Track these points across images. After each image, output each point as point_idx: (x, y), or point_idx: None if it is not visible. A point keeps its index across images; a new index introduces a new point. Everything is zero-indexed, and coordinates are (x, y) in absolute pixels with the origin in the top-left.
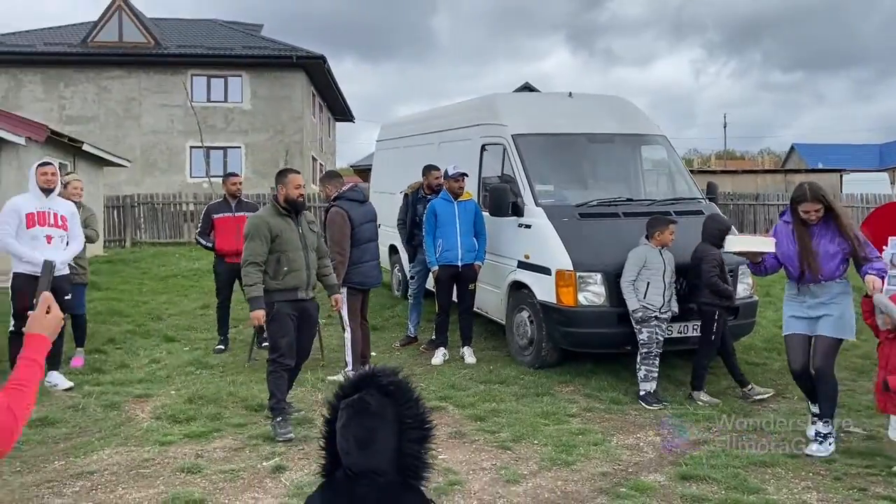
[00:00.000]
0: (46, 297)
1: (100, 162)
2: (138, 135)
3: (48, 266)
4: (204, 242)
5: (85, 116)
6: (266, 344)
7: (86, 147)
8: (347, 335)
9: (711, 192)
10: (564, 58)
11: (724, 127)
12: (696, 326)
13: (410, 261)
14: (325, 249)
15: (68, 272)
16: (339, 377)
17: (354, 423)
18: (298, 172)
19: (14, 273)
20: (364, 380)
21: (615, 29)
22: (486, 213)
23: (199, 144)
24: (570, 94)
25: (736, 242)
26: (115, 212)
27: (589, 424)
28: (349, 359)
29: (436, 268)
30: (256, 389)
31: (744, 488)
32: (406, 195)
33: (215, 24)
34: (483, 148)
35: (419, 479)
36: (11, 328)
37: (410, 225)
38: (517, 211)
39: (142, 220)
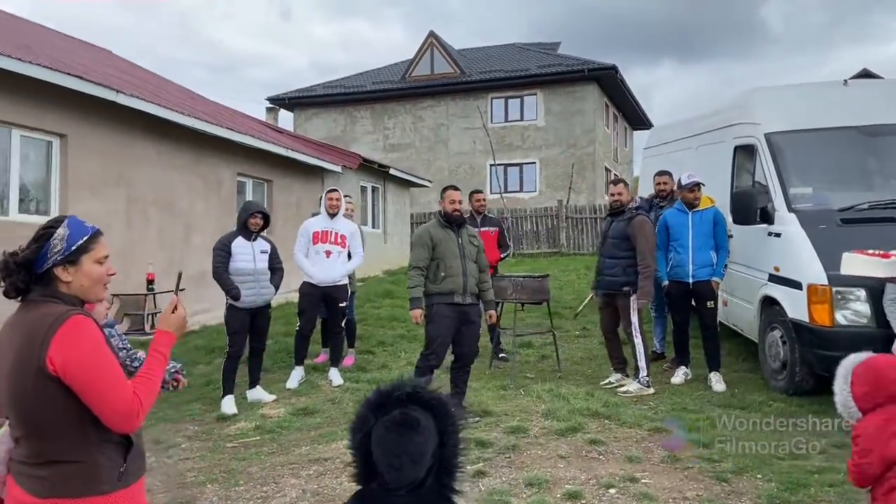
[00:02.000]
0: (174, 299)
1: (405, 184)
2: (446, 157)
3: (179, 275)
4: None
5: (403, 144)
6: (503, 355)
7: (392, 171)
8: (639, 341)
9: None
10: None
11: None
12: None
13: None
14: (485, 263)
15: (346, 282)
16: (633, 387)
17: (405, 440)
18: (458, 189)
19: (303, 281)
20: (401, 394)
21: None
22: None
23: (495, 163)
24: (846, 82)
25: (854, 263)
26: None
27: (833, 462)
28: (642, 364)
29: (666, 283)
30: (485, 395)
31: None
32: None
33: (514, 48)
34: (736, 150)
35: (455, 489)
36: (297, 327)
37: None
38: (767, 218)
39: None
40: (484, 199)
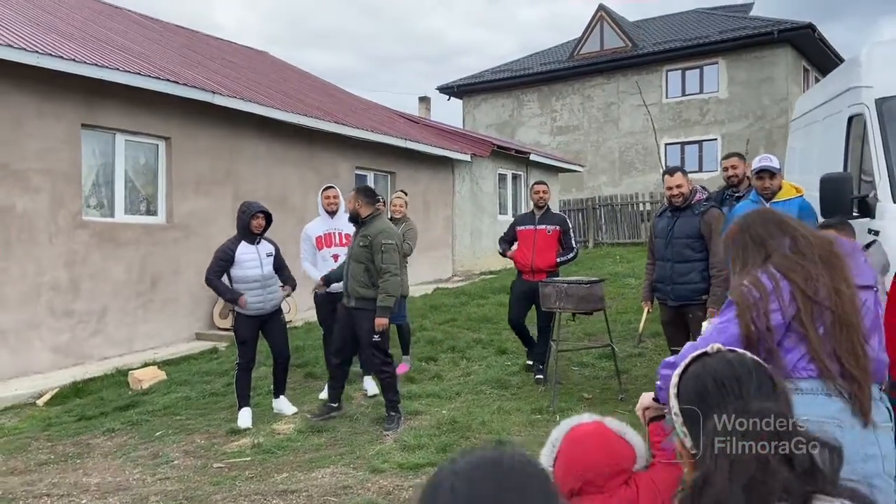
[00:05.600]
0: None
1: (552, 169)
2: (616, 137)
3: None
4: (500, 249)
5: (571, 126)
6: (539, 376)
7: (534, 157)
8: None
9: None
10: None
11: None
12: None
13: None
14: (382, 265)
15: None
16: None
17: None
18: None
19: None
20: None
21: None
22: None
23: (674, 141)
24: None
25: None
26: (579, 214)
27: None
28: None
29: None
30: (512, 420)
31: None
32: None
33: (694, 14)
34: (850, 122)
35: None
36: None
37: None
38: (866, 210)
39: (602, 221)
40: (544, 192)
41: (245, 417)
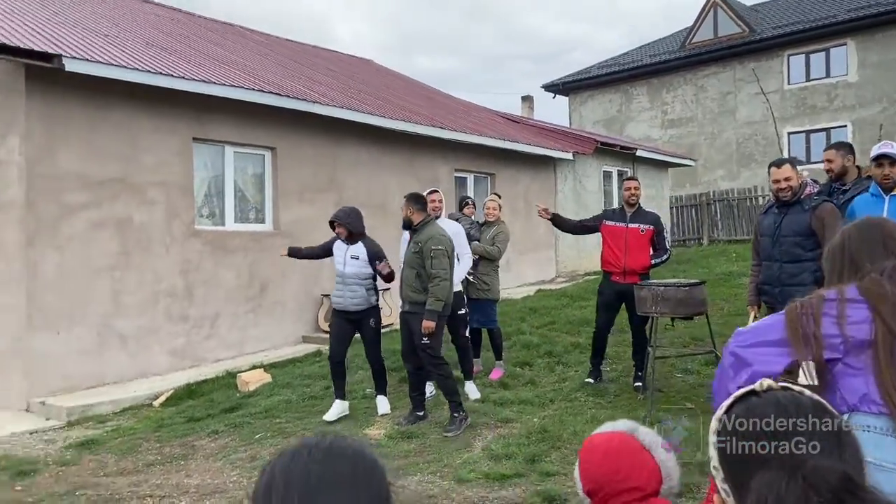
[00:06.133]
0: None
1: (661, 164)
2: (733, 128)
3: None
4: (577, 220)
5: (684, 118)
6: (638, 384)
7: (640, 152)
8: None
9: None
10: None
11: None
12: None
13: None
14: (433, 271)
15: (460, 289)
16: None
17: None
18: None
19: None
20: None
21: None
22: None
23: (798, 130)
24: None
25: None
26: (692, 210)
27: None
28: None
29: None
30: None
31: None
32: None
33: None
34: None
35: None
36: None
37: None
38: None
39: (718, 217)
40: (636, 188)
41: (334, 410)
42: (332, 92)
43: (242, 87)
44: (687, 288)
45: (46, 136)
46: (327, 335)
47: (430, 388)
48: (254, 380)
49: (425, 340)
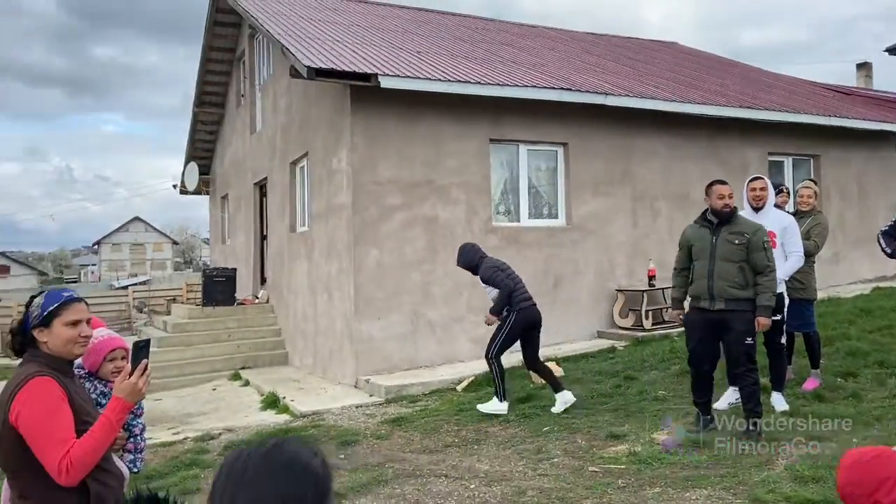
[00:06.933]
0: (127, 368)
1: None
2: None
3: (135, 345)
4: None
5: None
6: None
7: None
8: None
9: None
10: None
11: None
12: None
13: None
14: (763, 264)
15: (782, 290)
16: None
17: None
18: (725, 183)
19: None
20: None
21: None
22: None
23: None
24: None
25: None
26: None
27: None
28: None
29: None
30: None
31: None
32: None
33: None
34: None
35: None
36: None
37: None
38: None
39: None
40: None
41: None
42: (627, 81)
43: (535, 86)
44: None
45: (368, 147)
46: (623, 331)
47: (734, 395)
48: None
49: (749, 340)
